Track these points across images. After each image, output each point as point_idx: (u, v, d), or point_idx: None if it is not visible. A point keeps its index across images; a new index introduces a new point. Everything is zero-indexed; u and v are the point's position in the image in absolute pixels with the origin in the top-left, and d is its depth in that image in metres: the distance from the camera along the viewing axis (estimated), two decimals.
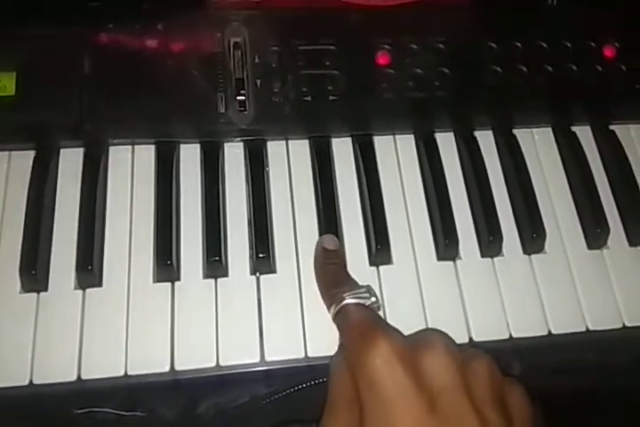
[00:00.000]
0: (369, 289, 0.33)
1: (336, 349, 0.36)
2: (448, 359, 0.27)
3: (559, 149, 0.45)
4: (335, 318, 0.33)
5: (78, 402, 0.35)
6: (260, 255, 0.39)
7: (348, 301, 0.32)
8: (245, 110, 0.42)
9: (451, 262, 0.40)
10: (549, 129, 0.46)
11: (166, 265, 0.38)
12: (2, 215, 0.39)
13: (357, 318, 0.31)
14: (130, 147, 0.43)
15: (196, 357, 0.36)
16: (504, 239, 0.41)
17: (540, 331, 0.38)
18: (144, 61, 0.43)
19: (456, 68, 0.44)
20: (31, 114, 0.41)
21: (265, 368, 0.36)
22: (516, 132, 0.45)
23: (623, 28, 0.47)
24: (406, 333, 0.37)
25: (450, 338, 0.30)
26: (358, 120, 0.44)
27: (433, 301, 0.39)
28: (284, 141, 0.44)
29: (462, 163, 0.44)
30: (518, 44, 0.46)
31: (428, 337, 0.29)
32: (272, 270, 0.39)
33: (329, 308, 0.33)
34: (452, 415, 0.26)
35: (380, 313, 0.35)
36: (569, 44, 0.46)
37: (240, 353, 0.36)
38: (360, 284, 0.36)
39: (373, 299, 0.33)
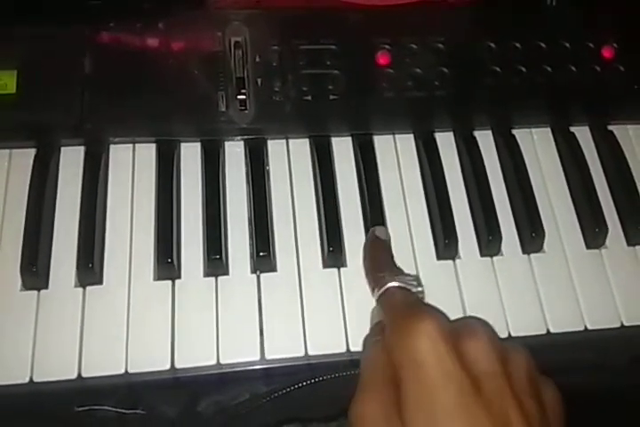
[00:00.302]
0: (417, 278, 0.33)
1: (335, 346, 0.37)
2: (491, 347, 0.27)
3: (558, 149, 0.46)
4: (379, 299, 0.32)
5: (79, 400, 0.35)
6: (261, 254, 0.39)
7: (395, 283, 0.32)
8: (246, 109, 0.42)
9: (450, 262, 0.40)
10: (548, 129, 0.46)
11: (167, 263, 0.38)
12: (3, 213, 0.39)
13: (404, 299, 0.31)
14: (130, 145, 0.43)
15: (196, 355, 0.36)
16: (503, 239, 0.41)
17: (539, 330, 0.39)
18: (145, 60, 0.43)
19: (455, 68, 0.45)
20: (32, 112, 0.41)
21: (265, 366, 0.37)
22: (515, 132, 0.45)
23: (622, 28, 0.48)
24: None
25: (492, 328, 0.29)
26: (358, 119, 0.44)
27: (432, 300, 0.39)
28: (284, 140, 0.44)
29: (462, 163, 0.44)
30: (517, 45, 0.46)
31: (472, 324, 0.29)
32: (272, 269, 0.39)
33: (373, 289, 0.33)
34: (495, 400, 0.25)
35: None
36: (568, 45, 0.47)
37: (240, 351, 0.36)
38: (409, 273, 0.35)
39: (420, 288, 0.32)
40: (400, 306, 0.30)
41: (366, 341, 0.32)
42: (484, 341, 0.27)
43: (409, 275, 0.33)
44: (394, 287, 0.32)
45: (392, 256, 0.37)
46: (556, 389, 0.29)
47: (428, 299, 0.39)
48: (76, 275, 0.38)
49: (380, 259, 0.36)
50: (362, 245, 0.40)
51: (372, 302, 0.38)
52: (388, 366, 0.28)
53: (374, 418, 0.27)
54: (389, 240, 0.38)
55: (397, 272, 0.34)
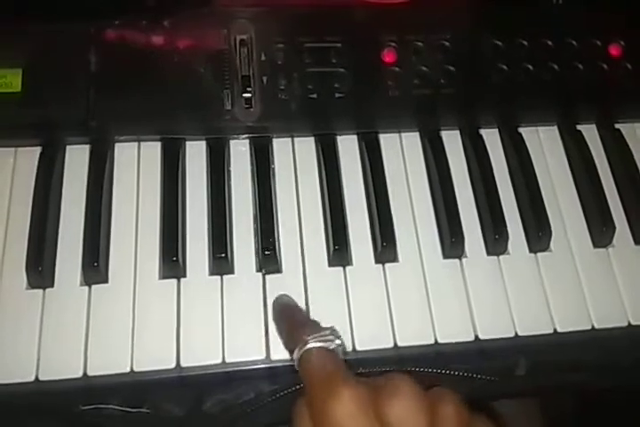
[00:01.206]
0: (333, 331, 0.31)
1: None
2: (415, 404, 0.26)
3: (565, 148, 0.45)
4: (298, 365, 0.31)
5: (84, 399, 0.35)
6: (266, 253, 0.39)
7: (312, 344, 0.30)
8: (251, 107, 0.42)
9: (457, 260, 0.40)
10: (555, 127, 0.46)
11: (172, 262, 0.38)
12: (8, 212, 0.39)
13: (319, 365, 0.29)
14: (136, 143, 0.43)
15: (201, 353, 0.36)
16: (510, 237, 0.41)
17: (546, 329, 0.38)
18: (150, 58, 0.43)
19: (462, 66, 0.44)
20: (37, 110, 0.41)
21: (270, 366, 0.36)
22: (521, 130, 0.45)
23: (629, 26, 0.47)
24: (411, 331, 0.37)
25: (413, 381, 0.28)
26: (364, 118, 0.44)
27: (439, 299, 0.39)
28: (289, 139, 0.44)
29: (468, 161, 0.44)
30: (524, 42, 0.46)
31: (393, 383, 0.28)
32: (278, 267, 0.39)
33: (291, 353, 0.31)
34: None
35: (342, 354, 0.31)
36: (575, 43, 0.46)
37: (246, 350, 0.36)
38: (323, 326, 0.33)
39: (338, 341, 0.31)
40: (316, 374, 0.29)
41: (297, 406, 0.30)
42: (409, 399, 0.26)
43: (325, 329, 0.31)
44: (310, 350, 0.30)
45: (303, 314, 0.36)
46: (490, 424, 0.28)
47: (436, 299, 0.39)
48: (82, 274, 0.38)
49: (290, 322, 0.35)
50: (369, 244, 0.40)
51: (379, 300, 0.39)
52: None
53: None
54: (294, 302, 0.37)
55: (312, 330, 0.31)
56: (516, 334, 0.38)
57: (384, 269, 0.40)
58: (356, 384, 0.27)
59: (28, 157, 0.41)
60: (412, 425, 0.26)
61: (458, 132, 0.45)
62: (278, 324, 0.36)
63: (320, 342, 0.30)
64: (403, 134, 0.45)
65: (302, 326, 0.33)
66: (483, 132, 0.45)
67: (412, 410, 0.26)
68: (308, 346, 0.30)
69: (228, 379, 0.37)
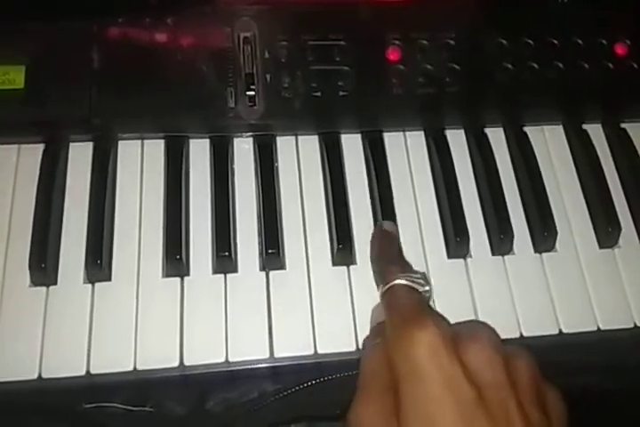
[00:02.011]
0: (424, 276, 0.32)
1: (344, 345, 0.36)
2: (493, 354, 0.26)
3: (570, 147, 0.45)
4: (383, 296, 0.31)
5: (87, 397, 0.35)
6: (270, 251, 0.38)
7: (402, 281, 0.31)
8: (255, 105, 0.42)
9: (461, 260, 0.40)
10: (560, 126, 0.46)
11: (176, 260, 0.38)
12: (11, 209, 0.39)
13: (406, 299, 0.30)
14: (139, 141, 0.42)
15: (205, 352, 0.36)
16: (515, 237, 0.40)
17: (551, 330, 0.38)
18: (154, 56, 0.43)
19: (466, 65, 0.44)
20: (40, 107, 0.41)
21: (274, 365, 0.36)
22: (526, 129, 0.45)
23: (635, 25, 0.47)
24: None
25: (495, 332, 0.29)
26: (368, 116, 0.44)
27: (443, 298, 0.39)
28: (293, 137, 0.44)
29: (473, 160, 0.44)
30: (529, 41, 0.46)
31: (475, 329, 0.28)
32: (281, 266, 0.39)
33: (379, 285, 0.32)
34: (498, 411, 0.25)
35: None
36: (580, 42, 0.46)
37: (249, 349, 0.36)
38: (416, 269, 0.34)
39: (427, 287, 0.31)
40: (403, 308, 0.29)
41: (366, 342, 0.31)
42: (488, 348, 0.27)
43: (417, 272, 0.32)
44: (399, 285, 0.31)
45: (400, 251, 0.37)
46: (560, 395, 0.28)
47: (439, 299, 0.38)
48: (85, 271, 0.38)
49: (387, 253, 0.35)
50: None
51: (379, 301, 0.38)
52: (388, 371, 0.27)
53: (372, 422, 0.26)
54: (398, 235, 0.38)
55: (405, 269, 0.33)
56: (521, 334, 0.38)
57: None
58: (441, 324, 0.27)
59: (32, 154, 0.41)
60: (491, 375, 0.26)
61: (462, 131, 0.45)
62: (373, 252, 0.36)
63: (410, 281, 0.31)
64: (407, 133, 0.44)
65: (396, 262, 0.34)
66: (488, 131, 0.45)
67: (492, 360, 0.26)
68: (398, 281, 0.31)
69: (231, 378, 0.36)
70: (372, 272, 0.39)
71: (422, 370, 0.25)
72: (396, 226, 0.38)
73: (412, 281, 0.31)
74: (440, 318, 0.29)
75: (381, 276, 0.33)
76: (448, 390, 0.25)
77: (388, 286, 0.31)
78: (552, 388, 0.28)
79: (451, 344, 0.26)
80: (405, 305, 0.29)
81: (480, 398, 0.25)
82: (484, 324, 0.30)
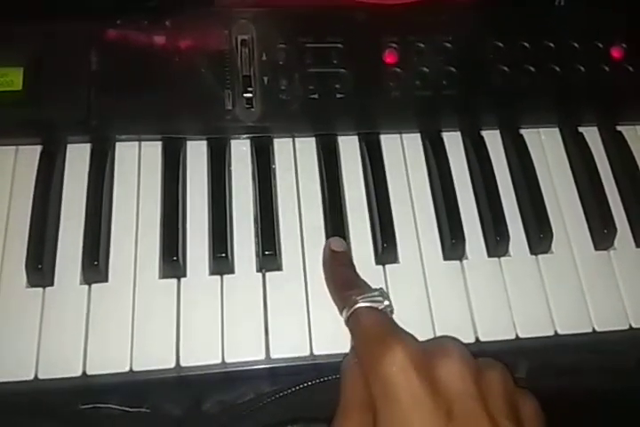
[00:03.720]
0: (382, 292, 0.32)
1: (340, 346, 0.36)
2: (463, 367, 0.27)
3: (566, 150, 0.45)
4: (348, 322, 0.32)
5: (83, 398, 0.35)
6: (266, 253, 0.39)
7: (361, 304, 0.31)
8: (252, 107, 0.42)
9: (457, 262, 0.40)
10: (556, 129, 0.46)
11: (172, 261, 0.38)
12: (8, 210, 0.39)
13: (371, 323, 0.30)
14: (136, 143, 0.42)
15: (201, 353, 0.36)
16: (511, 239, 0.41)
17: (547, 331, 0.38)
18: (151, 58, 0.43)
19: (463, 68, 0.44)
20: (38, 109, 0.41)
21: (270, 366, 0.36)
22: (523, 132, 0.45)
23: (631, 28, 0.47)
24: (412, 332, 0.37)
25: (464, 346, 0.29)
26: (365, 118, 0.44)
27: (439, 300, 0.39)
28: (290, 139, 0.44)
29: (469, 162, 0.44)
30: (526, 44, 0.46)
31: (444, 344, 0.29)
32: (278, 268, 0.39)
33: (341, 311, 0.33)
34: (469, 423, 0.25)
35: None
36: (576, 45, 0.46)
37: (245, 350, 0.36)
38: (372, 287, 0.35)
39: (387, 302, 0.32)
40: (368, 331, 0.30)
41: (345, 362, 0.31)
42: (456, 361, 0.27)
43: (374, 290, 0.33)
44: (360, 309, 0.31)
45: (353, 268, 0.37)
46: (536, 401, 0.28)
47: (436, 300, 0.39)
48: (82, 272, 0.38)
49: (340, 277, 0.36)
50: (369, 245, 0.40)
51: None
52: (365, 390, 0.28)
53: None
54: (347, 250, 0.38)
55: (361, 290, 0.33)
56: (517, 336, 0.38)
57: (384, 271, 0.39)
58: (409, 342, 0.28)
59: (29, 156, 0.41)
60: (461, 386, 0.26)
61: (459, 133, 0.45)
62: (327, 278, 0.36)
63: (369, 302, 0.31)
64: (404, 135, 0.45)
65: (351, 285, 0.34)
66: (484, 133, 0.45)
67: (462, 372, 0.27)
68: (358, 305, 0.31)
69: (227, 379, 0.36)
70: (369, 273, 0.39)
71: (393, 390, 0.26)
72: (344, 242, 0.38)
73: (372, 301, 0.31)
74: (408, 337, 0.29)
75: (341, 301, 0.33)
76: (419, 407, 0.25)
77: (349, 311, 0.31)
78: (529, 398, 0.28)
79: (419, 361, 0.27)
80: (370, 327, 0.30)
81: (449, 412, 0.25)
82: (453, 338, 0.31)
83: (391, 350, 0.27)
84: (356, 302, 0.31)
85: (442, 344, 0.29)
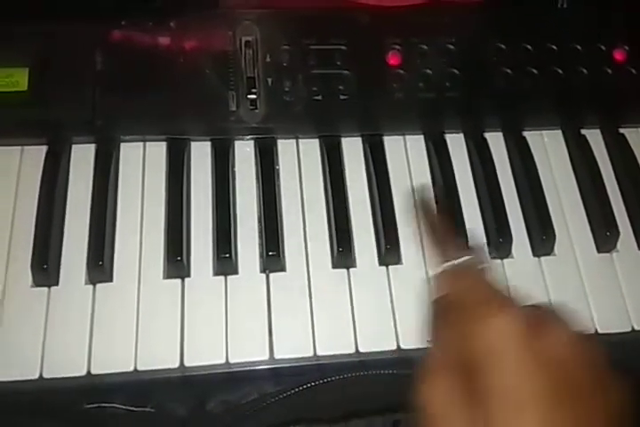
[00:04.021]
0: (483, 251, 0.32)
1: (343, 347, 0.37)
2: (570, 339, 0.26)
3: (569, 152, 0.45)
4: (441, 275, 0.30)
5: (88, 397, 0.35)
6: (270, 253, 0.39)
7: (467, 258, 0.30)
8: (256, 109, 0.43)
9: None
10: (559, 131, 0.46)
11: (177, 261, 0.38)
12: (14, 210, 0.39)
13: (476, 281, 0.29)
14: (141, 143, 0.43)
15: (205, 353, 0.36)
16: (514, 241, 0.41)
17: None
18: (156, 59, 0.43)
19: (466, 70, 0.45)
20: (43, 109, 0.41)
21: (274, 366, 0.37)
22: (525, 134, 0.45)
23: (633, 31, 0.47)
24: (415, 334, 0.38)
25: (568, 317, 0.28)
26: (368, 120, 0.44)
27: None
28: (294, 140, 0.44)
29: (472, 164, 0.44)
30: (528, 47, 0.46)
31: (550, 313, 0.28)
32: (282, 268, 0.39)
33: (438, 264, 0.31)
34: (578, 391, 0.25)
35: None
36: (579, 47, 0.47)
37: (249, 350, 0.36)
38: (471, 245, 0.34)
39: (487, 264, 0.30)
40: (474, 289, 0.28)
41: (431, 317, 0.30)
42: (563, 332, 0.26)
43: (477, 247, 0.32)
44: (464, 262, 0.30)
45: (451, 221, 0.36)
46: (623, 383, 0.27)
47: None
48: (87, 272, 0.38)
49: (438, 226, 0.34)
50: (373, 246, 0.40)
51: (382, 302, 0.39)
52: (461, 349, 0.26)
53: (445, 402, 0.26)
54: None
55: (464, 244, 0.32)
56: None
57: (388, 272, 0.40)
58: (515, 308, 0.27)
59: (35, 156, 0.41)
60: (567, 357, 0.26)
61: (462, 135, 0.45)
62: (426, 224, 0.35)
63: (475, 259, 0.30)
64: (407, 137, 0.45)
65: (453, 238, 0.32)
66: (487, 135, 0.45)
67: (568, 343, 0.26)
68: (462, 259, 0.30)
69: (231, 379, 0.37)
70: (371, 275, 0.39)
71: (504, 353, 0.25)
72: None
73: (477, 258, 0.30)
74: (514, 301, 0.28)
75: (441, 252, 0.32)
76: (529, 377, 0.25)
77: (451, 263, 0.30)
78: (618, 377, 0.28)
79: (529, 327, 0.26)
80: (475, 286, 0.29)
81: (561, 386, 0.25)
82: (559, 309, 0.29)
83: (498, 314, 0.26)
84: (461, 257, 0.30)
85: (548, 314, 0.28)
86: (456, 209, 0.41)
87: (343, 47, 0.44)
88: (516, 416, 0.24)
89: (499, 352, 0.25)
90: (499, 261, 0.41)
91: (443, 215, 0.35)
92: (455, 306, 0.28)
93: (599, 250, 0.42)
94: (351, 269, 0.39)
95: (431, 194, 0.37)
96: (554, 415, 0.24)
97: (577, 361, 0.26)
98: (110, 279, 0.38)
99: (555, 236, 0.41)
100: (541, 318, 0.27)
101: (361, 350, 0.37)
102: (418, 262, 0.40)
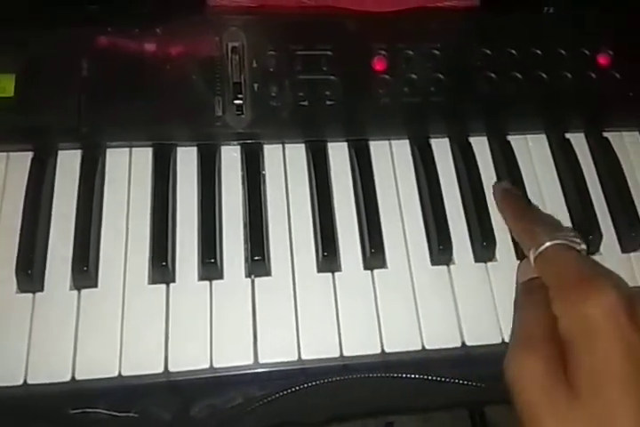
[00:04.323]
0: (577, 233, 0.31)
1: (329, 351, 0.37)
2: None
3: (553, 156, 0.46)
4: (537, 261, 0.30)
5: (72, 402, 0.35)
6: (255, 258, 0.39)
7: (559, 241, 0.30)
8: (242, 114, 0.43)
9: (444, 267, 0.41)
10: (544, 136, 0.46)
11: (161, 267, 0.38)
12: None
13: (574, 260, 0.29)
14: (127, 149, 0.43)
15: (189, 358, 0.36)
16: (497, 245, 0.41)
17: None
18: (142, 65, 0.43)
19: (451, 75, 0.45)
20: (30, 115, 0.42)
21: (258, 371, 0.37)
22: (510, 138, 0.46)
23: (617, 36, 0.48)
24: (398, 338, 0.38)
25: None
26: (354, 125, 0.44)
27: (426, 305, 0.39)
28: (280, 145, 0.44)
29: (457, 169, 0.44)
30: (513, 52, 0.46)
31: None
32: (267, 273, 0.39)
33: (529, 248, 0.31)
34: None
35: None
36: (564, 52, 0.47)
37: (234, 355, 0.37)
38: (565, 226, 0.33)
39: (584, 246, 0.30)
40: (571, 268, 0.29)
41: (523, 297, 0.31)
42: None
43: (568, 229, 0.32)
44: (556, 245, 0.30)
45: (536, 208, 0.36)
46: None
47: (424, 305, 0.39)
48: (71, 278, 0.38)
49: (525, 212, 0.34)
50: (358, 250, 0.41)
51: (367, 306, 0.39)
52: (553, 328, 0.27)
53: (537, 376, 0.26)
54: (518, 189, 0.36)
55: (554, 227, 0.32)
56: (503, 340, 0.38)
57: (372, 276, 0.40)
58: (618, 286, 0.27)
59: (20, 162, 0.41)
60: None
61: (447, 139, 0.45)
62: (508, 215, 0.35)
63: (567, 240, 0.30)
64: (392, 142, 0.45)
65: (544, 221, 0.33)
66: (472, 140, 0.45)
67: None
68: (556, 242, 0.30)
69: (215, 384, 0.37)
70: (356, 280, 0.40)
71: (601, 331, 0.25)
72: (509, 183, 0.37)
73: (569, 240, 0.30)
74: (614, 277, 0.29)
75: (530, 238, 0.32)
76: (626, 357, 0.25)
77: (542, 247, 0.30)
78: None
79: (629, 306, 0.26)
80: (574, 265, 0.29)
81: None
82: None
83: (602, 291, 0.26)
84: (554, 239, 0.30)
85: None
86: (441, 214, 0.42)
87: (329, 53, 0.45)
88: (605, 396, 0.25)
89: (595, 330, 0.26)
90: (482, 264, 0.41)
91: (524, 200, 0.36)
92: (548, 288, 0.29)
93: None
94: (336, 274, 0.40)
95: (510, 184, 0.37)
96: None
97: None
98: (95, 285, 0.38)
99: None
100: (637, 300, 0.27)
101: (345, 353, 0.37)
102: (403, 266, 0.40)
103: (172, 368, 0.36)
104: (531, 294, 0.30)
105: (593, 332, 0.26)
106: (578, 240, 0.31)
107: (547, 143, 0.46)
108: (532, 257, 0.31)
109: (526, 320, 0.29)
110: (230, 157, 0.43)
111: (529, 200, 0.37)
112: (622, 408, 0.24)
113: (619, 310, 0.26)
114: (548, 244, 0.30)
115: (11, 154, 0.42)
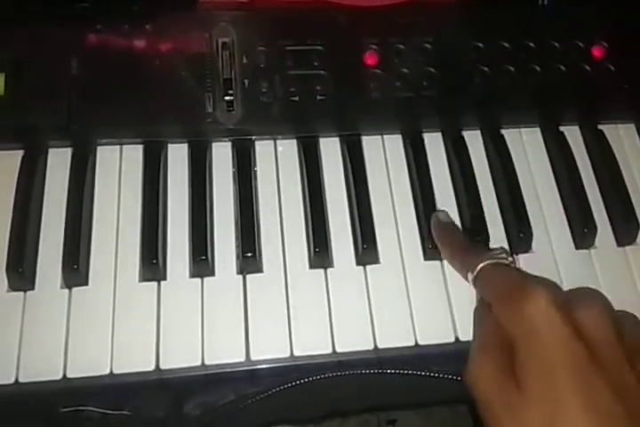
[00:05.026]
0: (504, 249, 0.34)
1: (321, 347, 0.37)
2: (605, 315, 0.28)
3: (547, 149, 0.45)
4: (476, 282, 0.33)
5: (64, 401, 0.35)
6: (247, 255, 0.39)
7: (489, 262, 0.33)
8: (233, 110, 0.43)
9: (437, 262, 0.40)
10: (537, 129, 0.46)
11: (152, 264, 0.38)
12: None
13: (505, 274, 0.32)
14: (118, 146, 0.43)
15: (181, 356, 0.36)
16: (491, 239, 0.41)
17: None
18: (132, 62, 0.43)
19: (444, 68, 0.45)
20: (20, 114, 0.41)
21: (250, 367, 0.36)
22: (504, 132, 0.45)
23: (612, 28, 0.48)
24: (391, 331, 0.38)
25: (605, 297, 0.30)
26: (346, 120, 0.44)
27: (419, 300, 0.39)
28: (271, 141, 0.44)
29: (450, 163, 0.44)
30: (506, 44, 0.46)
31: (586, 293, 0.30)
32: (258, 270, 0.39)
33: (466, 274, 0.34)
34: (610, 366, 0.26)
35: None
36: (557, 44, 0.47)
37: (225, 352, 0.36)
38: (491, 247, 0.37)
39: (510, 259, 0.33)
40: (505, 281, 0.31)
41: (476, 313, 0.34)
42: (599, 309, 0.28)
43: (495, 249, 0.35)
44: (489, 266, 0.33)
45: (465, 236, 0.38)
46: None
47: (417, 300, 0.39)
48: (62, 276, 0.38)
49: (457, 243, 0.37)
50: (350, 246, 0.40)
51: (359, 302, 0.39)
52: (501, 336, 0.29)
53: (490, 378, 0.28)
54: (453, 222, 0.40)
55: (482, 250, 0.35)
56: None
57: (365, 271, 0.40)
58: (550, 287, 0.29)
59: (10, 160, 0.41)
60: (602, 334, 0.27)
61: (440, 134, 0.45)
62: (443, 247, 0.38)
63: (495, 259, 0.33)
64: (385, 137, 0.45)
65: (469, 250, 0.36)
66: (465, 134, 0.45)
67: (603, 320, 0.28)
68: (486, 263, 0.33)
69: (208, 381, 0.37)
70: (348, 275, 0.39)
71: (536, 329, 0.27)
72: (448, 214, 0.40)
73: (497, 258, 0.33)
74: (547, 281, 0.31)
75: (464, 265, 0.35)
76: (562, 346, 0.27)
77: (476, 271, 0.33)
78: None
79: (562, 305, 0.28)
80: (506, 278, 0.32)
81: (591, 353, 0.26)
82: (595, 290, 0.32)
83: (533, 295, 0.28)
84: (483, 261, 0.33)
85: (583, 293, 0.30)
86: (433, 207, 0.42)
87: (320, 48, 0.44)
88: (549, 384, 0.26)
89: (532, 329, 0.28)
90: None
91: (457, 232, 0.39)
92: (493, 300, 0.31)
93: (577, 247, 0.42)
94: (328, 270, 0.39)
95: (448, 216, 0.40)
96: (586, 382, 0.26)
97: (609, 331, 0.27)
98: (86, 283, 0.38)
99: (532, 233, 0.41)
100: (571, 294, 0.30)
101: (338, 349, 0.37)
102: (396, 261, 0.40)
103: (163, 366, 0.36)
104: (482, 311, 0.33)
105: (532, 331, 0.28)
106: (504, 255, 0.34)
107: (541, 136, 0.46)
108: (470, 282, 0.34)
109: (479, 333, 0.32)
110: (221, 154, 0.43)
111: (460, 230, 0.40)
112: (567, 395, 0.26)
113: (551, 308, 0.27)
114: (480, 266, 0.33)
115: (0, 152, 0.42)
